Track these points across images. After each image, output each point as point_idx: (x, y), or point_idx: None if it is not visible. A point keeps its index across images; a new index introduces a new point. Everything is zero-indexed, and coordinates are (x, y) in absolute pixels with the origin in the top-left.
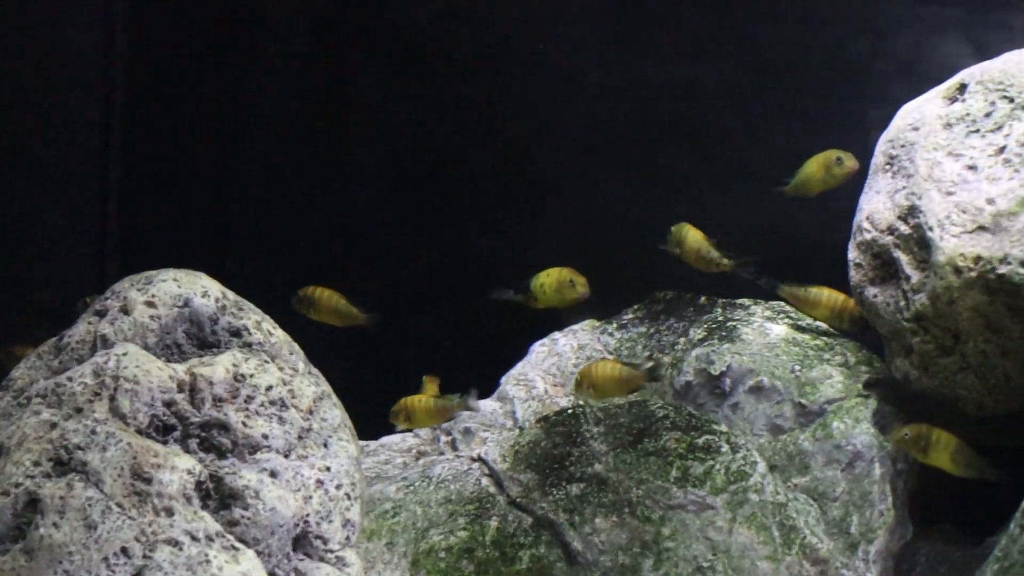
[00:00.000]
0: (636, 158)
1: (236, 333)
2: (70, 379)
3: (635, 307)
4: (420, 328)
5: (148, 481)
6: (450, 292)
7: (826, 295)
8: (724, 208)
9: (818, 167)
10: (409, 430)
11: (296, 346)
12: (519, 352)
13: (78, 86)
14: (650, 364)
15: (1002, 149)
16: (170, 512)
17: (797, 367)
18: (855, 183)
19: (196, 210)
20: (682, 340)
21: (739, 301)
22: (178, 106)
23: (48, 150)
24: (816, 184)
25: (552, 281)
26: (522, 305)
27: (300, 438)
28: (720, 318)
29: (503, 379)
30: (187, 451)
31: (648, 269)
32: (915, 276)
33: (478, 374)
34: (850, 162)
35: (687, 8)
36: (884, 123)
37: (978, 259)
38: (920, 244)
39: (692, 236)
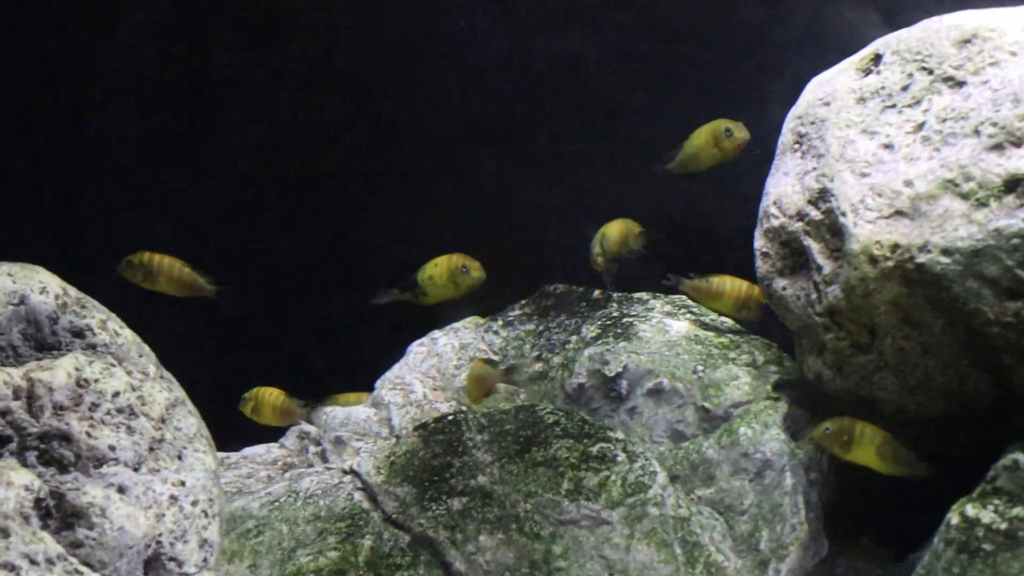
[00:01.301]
0: (520, 138)
1: (79, 333)
2: None
3: (522, 302)
4: (286, 327)
5: None
6: (319, 287)
7: (729, 284)
8: (616, 191)
9: (706, 139)
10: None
11: (146, 347)
12: (395, 353)
13: None
14: (511, 363)
15: (921, 126)
16: (5, 533)
17: (700, 367)
18: (762, 163)
19: (37, 198)
20: (574, 338)
21: (636, 295)
22: (16, 82)
23: None
24: (705, 158)
25: (442, 271)
26: (411, 303)
27: (151, 449)
28: (615, 314)
29: (378, 383)
30: (25, 465)
31: (536, 260)
32: (827, 266)
33: (350, 377)
34: (740, 133)
35: None
36: (790, 98)
37: (895, 247)
38: (832, 231)
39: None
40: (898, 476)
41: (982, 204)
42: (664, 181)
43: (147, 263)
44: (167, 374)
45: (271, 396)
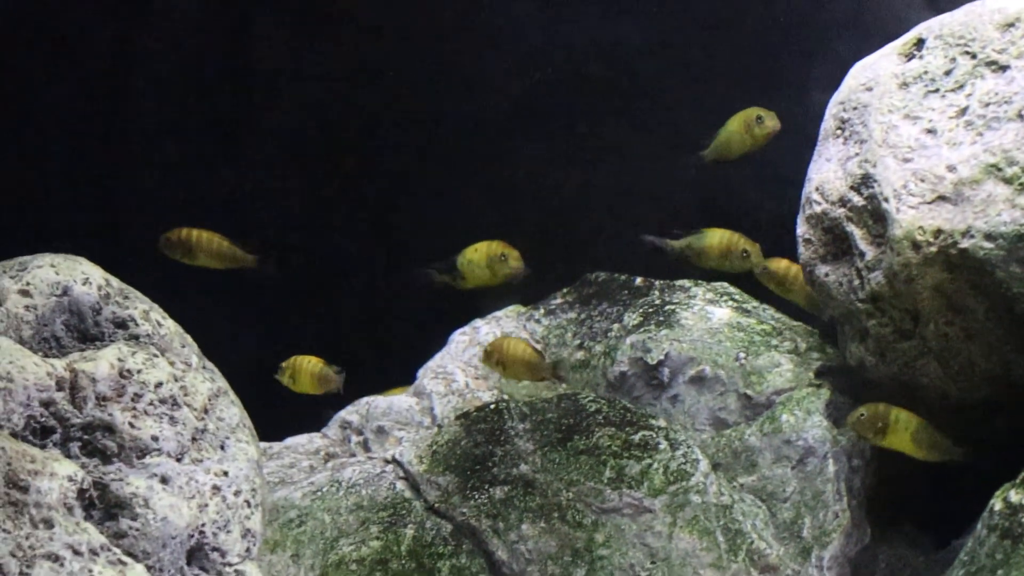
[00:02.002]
0: (560, 126)
1: (121, 324)
2: None
3: (564, 291)
4: (327, 316)
5: (25, 490)
6: (360, 276)
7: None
8: (656, 179)
9: (739, 126)
10: (292, 392)
11: (189, 338)
12: (438, 342)
13: None
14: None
15: (964, 111)
16: (49, 524)
17: (742, 355)
18: (804, 150)
19: (76, 187)
20: (616, 326)
21: (678, 283)
22: (54, 66)
23: None
24: (738, 146)
25: (481, 256)
26: (448, 286)
27: (194, 440)
28: (657, 301)
29: (420, 372)
30: (68, 456)
31: (578, 248)
32: (870, 252)
33: (392, 366)
34: (771, 122)
35: None
36: (831, 83)
37: (938, 232)
38: (875, 217)
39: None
40: (934, 462)
41: None
42: (705, 168)
43: (186, 239)
44: (209, 364)
45: (308, 364)
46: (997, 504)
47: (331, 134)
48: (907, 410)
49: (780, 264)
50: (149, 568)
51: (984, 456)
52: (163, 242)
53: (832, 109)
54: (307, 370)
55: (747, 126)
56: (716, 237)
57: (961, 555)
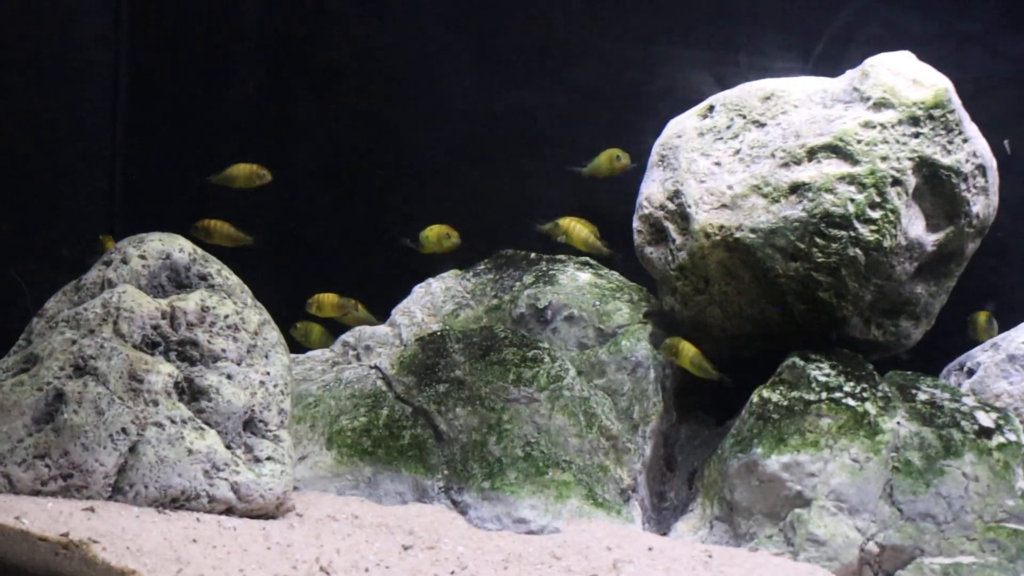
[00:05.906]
0: (487, 158)
1: (203, 278)
2: (85, 309)
3: (485, 261)
4: (337, 274)
5: (140, 381)
6: (357, 250)
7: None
8: (548, 192)
9: (606, 159)
10: (317, 319)
11: (246, 287)
12: (404, 292)
13: (90, 70)
14: None
15: (738, 151)
16: (156, 403)
17: (597, 302)
18: (638, 174)
19: (181, 188)
20: (518, 284)
21: (558, 256)
22: (174, 114)
23: (66, 131)
24: (604, 171)
25: (434, 234)
26: (413, 250)
27: (248, 352)
28: (544, 268)
29: (393, 311)
30: (168, 360)
31: (495, 234)
32: (679, 239)
33: (375, 308)
34: (625, 160)
35: (519, 50)
36: (656, 132)
37: (721, 227)
38: (682, 217)
39: (579, 229)
40: (704, 378)
41: (775, 200)
42: (577, 183)
43: (206, 226)
44: (259, 304)
45: (328, 297)
46: (755, 398)
47: (343, 161)
48: (690, 343)
49: (565, 220)
50: (219, 432)
51: (745, 369)
52: (192, 229)
53: (656, 148)
54: (328, 301)
55: (611, 160)
56: (566, 220)
57: (732, 430)
